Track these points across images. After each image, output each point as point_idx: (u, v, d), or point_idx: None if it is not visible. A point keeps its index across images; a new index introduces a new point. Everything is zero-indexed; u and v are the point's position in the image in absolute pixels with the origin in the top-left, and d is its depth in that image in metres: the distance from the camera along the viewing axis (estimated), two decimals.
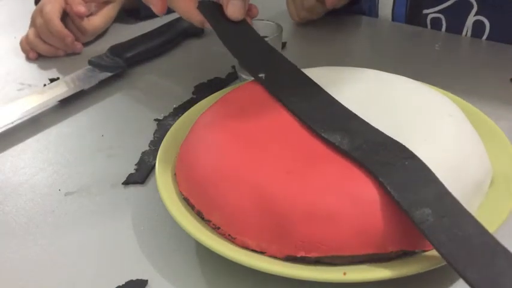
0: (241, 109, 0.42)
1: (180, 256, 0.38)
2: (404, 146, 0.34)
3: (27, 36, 0.71)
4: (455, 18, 0.66)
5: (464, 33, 0.66)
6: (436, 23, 0.68)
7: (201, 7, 0.46)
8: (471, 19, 0.64)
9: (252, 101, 0.43)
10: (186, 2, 0.47)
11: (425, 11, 0.68)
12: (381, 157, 0.33)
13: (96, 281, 0.36)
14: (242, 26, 0.47)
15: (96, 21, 0.73)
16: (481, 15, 0.64)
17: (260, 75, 0.43)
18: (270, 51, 0.46)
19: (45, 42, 0.69)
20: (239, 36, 0.46)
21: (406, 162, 0.33)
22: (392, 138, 0.35)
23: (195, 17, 0.47)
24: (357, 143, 0.35)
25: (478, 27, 0.65)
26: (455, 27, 0.66)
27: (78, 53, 0.70)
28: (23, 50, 0.71)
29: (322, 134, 0.36)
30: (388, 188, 0.31)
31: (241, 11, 0.46)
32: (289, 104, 0.40)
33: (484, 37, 0.65)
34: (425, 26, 0.69)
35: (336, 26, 0.70)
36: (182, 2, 0.47)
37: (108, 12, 0.74)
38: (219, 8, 0.47)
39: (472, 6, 0.64)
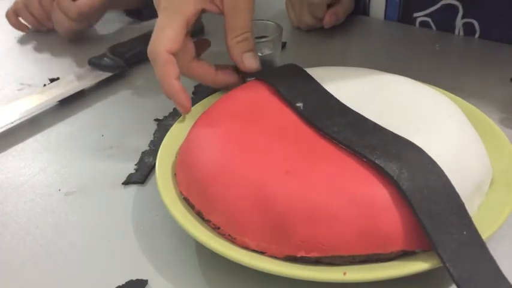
0: (241, 109, 0.42)
1: (180, 256, 0.38)
2: (464, 207, 0.32)
3: (16, 3, 0.74)
4: (444, 21, 0.66)
5: (456, 34, 0.66)
6: (425, 26, 0.68)
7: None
8: (459, 22, 0.65)
9: (252, 101, 0.43)
10: (203, 67, 0.47)
11: (415, 14, 0.68)
12: (442, 217, 0.31)
13: (96, 281, 0.36)
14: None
15: (82, 2, 0.68)
16: (468, 17, 0.64)
17: (298, 104, 0.41)
18: (307, 79, 0.44)
19: (31, 13, 0.74)
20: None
21: (465, 232, 0.31)
22: (450, 184, 0.33)
23: (213, 80, 0.47)
24: (417, 182, 0.32)
25: (468, 29, 0.65)
26: (445, 30, 0.67)
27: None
28: (14, 24, 0.75)
29: (376, 161, 0.33)
30: (447, 264, 0.30)
31: (257, 61, 0.47)
32: (332, 133, 0.37)
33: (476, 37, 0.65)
34: None
35: (336, 25, 0.70)
36: (198, 68, 0.47)
37: None
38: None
39: (458, 10, 0.64)
